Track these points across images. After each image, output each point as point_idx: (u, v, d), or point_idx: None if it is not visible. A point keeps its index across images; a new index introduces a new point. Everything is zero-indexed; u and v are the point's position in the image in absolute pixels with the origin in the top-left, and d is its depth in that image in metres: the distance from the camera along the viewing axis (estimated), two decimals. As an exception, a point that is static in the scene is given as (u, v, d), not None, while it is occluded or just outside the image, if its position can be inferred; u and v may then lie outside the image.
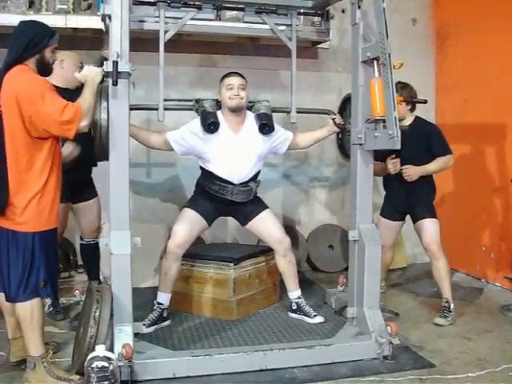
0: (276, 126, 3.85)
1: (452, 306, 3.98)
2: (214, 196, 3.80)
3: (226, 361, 3.16)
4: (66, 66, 3.69)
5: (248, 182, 3.81)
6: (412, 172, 4.00)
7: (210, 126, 3.64)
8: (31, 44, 2.81)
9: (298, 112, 4.10)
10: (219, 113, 3.75)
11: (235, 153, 3.71)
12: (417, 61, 5.52)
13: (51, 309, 4.01)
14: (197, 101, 3.86)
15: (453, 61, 5.57)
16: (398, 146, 3.08)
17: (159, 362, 3.09)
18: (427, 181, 4.15)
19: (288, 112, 4.11)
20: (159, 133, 3.83)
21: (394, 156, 4.01)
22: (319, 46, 5.15)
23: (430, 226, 4.07)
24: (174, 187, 5.27)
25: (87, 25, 4.41)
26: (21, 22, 2.91)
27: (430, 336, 3.73)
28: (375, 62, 3.29)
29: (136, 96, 4.55)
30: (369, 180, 3.58)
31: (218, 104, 3.81)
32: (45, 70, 2.91)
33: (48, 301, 3.94)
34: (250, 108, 3.87)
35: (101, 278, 4.38)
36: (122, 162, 3.09)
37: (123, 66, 2.97)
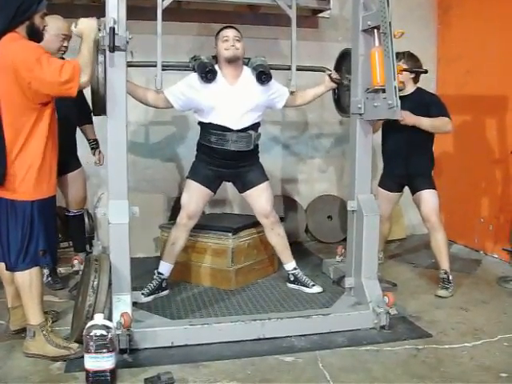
0: (273, 80, 3.79)
1: (451, 276, 3.99)
2: (214, 153, 3.75)
3: (224, 330, 3.18)
4: (47, 37, 3.29)
5: (247, 129, 3.74)
6: (406, 116, 3.83)
7: (208, 73, 3.60)
8: (19, 11, 2.75)
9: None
10: (216, 66, 3.70)
11: (232, 101, 3.66)
12: (418, 31, 5.46)
13: (49, 278, 4.03)
14: (192, 57, 3.80)
15: (455, 31, 5.51)
16: (398, 116, 3.07)
17: (157, 331, 3.11)
18: (426, 151, 4.13)
19: (285, 69, 4.06)
20: (157, 90, 3.71)
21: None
22: (319, 15, 5.09)
23: (428, 197, 4.07)
24: (172, 157, 5.27)
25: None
26: None
27: (427, 306, 3.76)
28: (376, 30, 3.25)
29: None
30: (368, 150, 3.56)
31: (215, 59, 3.76)
32: (36, 36, 2.85)
33: (46, 271, 3.95)
34: (246, 64, 3.81)
35: (87, 248, 4.39)
36: (120, 133, 3.07)
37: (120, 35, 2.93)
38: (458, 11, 5.44)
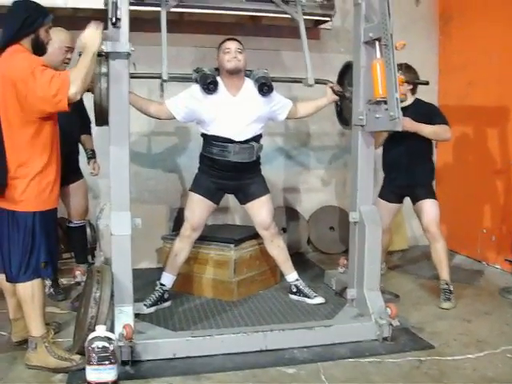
0: (275, 92, 3.82)
1: (451, 287, 3.99)
2: (216, 165, 3.76)
3: (226, 341, 3.17)
4: (50, 51, 3.32)
5: (249, 140, 3.75)
6: (405, 122, 3.80)
7: (210, 84, 3.61)
8: (25, 24, 2.77)
9: (294, 82, 4.06)
10: (218, 78, 3.72)
11: (234, 112, 3.68)
12: (420, 42, 5.49)
13: (51, 290, 4.03)
14: (196, 69, 3.81)
15: (456, 42, 5.53)
16: (400, 128, 3.07)
17: (160, 343, 3.10)
18: (426, 161, 4.15)
19: (288, 81, 4.11)
20: (159, 102, 3.80)
21: None
22: (321, 26, 5.12)
23: (429, 207, 4.07)
24: (175, 167, 5.27)
25: (87, 4, 4.36)
26: (14, 2, 2.86)
27: (429, 318, 3.75)
28: (377, 42, 3.26)
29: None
30: (370, 161, 3.57)
31: (217, 71, 3.77)
32: (40, 49, 2.87)
33: (48, 282, 3.96)
34: (248, 75, 3.82)
35: (89, 259, 4.39)
36: (123, 145, 3.08)
37: (122, 46, 2.94)
38: (459, 22, 5.46)
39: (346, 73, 3.91)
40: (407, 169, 4.09)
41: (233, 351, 3.15)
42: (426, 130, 3.94)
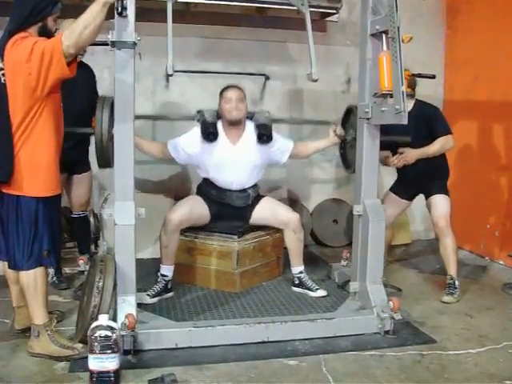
0: (276, 135, 3.94)
1: (457, 282, 3.98)
2: (214, 201, 3.94)
3: (228, 332, 3.18)
4: None
5: (246, 189, 3.95)
6: (409, 157, 3.97)
7: (210, 135, 3.77)
8: (33, 12, 2.76)
9: (298, 123, 4.10)
10: (219, 123, 3.84)
11: (233, 163, 3.82)
12: (426, 35, 5.46)
13: (54, 278, 4.04)
14: (198, 111, 3.96)
15: (463, 36, 5.50)
16: (405, 121, 3.05)
17: (162, 333, 3.11)
18: (440, 161, 4.12)
19: (289, 122, 4.31)
20: (160, 142, 3.97)
21: (401, 151, 3.99)
22: (328, 18, 5.10)
23: (440, 201, 4.07)
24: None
25: (94, -7, 4.35)
26: None
27: (431, 312, 3.75)
28: (384, 35, 3.24)
29: (142, 66, 4.54)
30: (375, 155, 3.56)
31: (219, 114, 3.89)
32: (47, 37, 2.85)
33: (51, 270, 3.97)
34: (251, 117, 3.93)
35: (93, 249, 4.40)
36: (127, 134, 3.08)
37: (128, 36, 2.94)
38: (466, 16, 5.43)
39: (348, 116, 3.93)
40: (420, 169, 4.06)
41: (235, 342, 3.16)
42: (430, 151, 3.98)
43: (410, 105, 4.04)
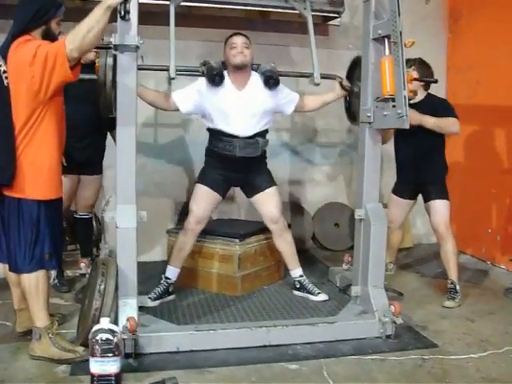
0: (282, 85, 3.82)
1: (458, 287, 3.98)
2: (222, 158, 3.77)
3: (230, 336, 3.18)
4: None
5: (254, 136, 3.76)
6: (411, 115, 3.87)
7: (216, 76, 3.63)
8: (37, 15, 2.77)
9: (302, 76, 4.04)
10: (225, 72, 3.72)
11: (240, 107, 3.69)
12: (429, 40, 5.45)
13: (56, 281, 4.04)
14: (203, 63, 3.79)
15: (465, 41, 5.51)
16: (407, 126, 3.06)
17: (163, 336, 3.11)
18: (438, 158, 4.12)
19: (294, 76, 4.14)
20: (164, 92, 3.84)
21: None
22: (330, 22, 5.10)
23: (440, 206, 4.06)
24: (181, 161, 5.26)
25: (96, -4, 4.36)
26: None
27: (433, 316, 3.74)
28: (386, 39, 3.25)
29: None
30: (377, 159, 3.56)
31: (224, 65, 3.76)
32: (50, 41, 2.84)
33: (53, 273, 3.97)
34: (256, 69, 3.83)
35: (94, 252, 4.41)
36: (129, 137, 3.08)
37: (131, 39, 2.94)
38: (468, 21, 5.44)
39: (354, 68, 3.88)
40: (418, 165, 4.08)
41: (236, 346, 3.15)
42: (430, 121, 3.92)
43: (421, 96, 4.06)
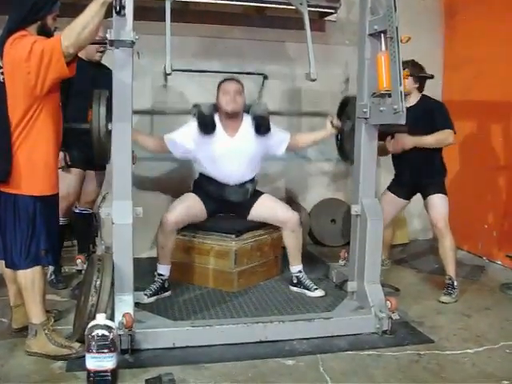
0: (274, 127, 3.92)
1: (456, 282, 3.98)
2: (212, 197, 3.91)
3: (226, 332, 3.18)
4: None
5: (245, 183, 3.91)
6: (406, 140, 3.95)
7: (207, 127, 3.76)
8: (33, 11, 2.76)
9: (293, 115, 4.11)
10: (216, 116, 3.83)
11: (230, 156, 3.80)
12: (425, 35, 5.44)
13: (53, 277, 4.03)
14: (195, 105, 3.93)
15: (461, 36, 5.50)
16: (403, 121, 3.05)
17: (159, 332, 3.11)
18: (435, 158, 4.12)
19: (284, 115, 4.47)
20: (158, 137, 3.95)
21: (391, 137, 4.00)
22: (326, 18, 5.10)
23: (438, 202, 4.06)
24: (177, 158, 5.25)
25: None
26: None
27: (429, 312, 3.75)
28: (382, 35, 3.24)
29: (140, 65, 4.53)
30: (373, 155, 3.55)
31: (216, 108, 3.86)
32: (46, 36, 2.83)
33: (50, 268, 3.97)
34: (247, 110, 3.92)
35: (90, 248, 4.41)
36: (125, 133, 3.07)
37: (127, 35, 2.93)
38: (464, 16, 5.43)
39: (344, 107, 3.94)
40: (417, 166, 4.08)
41: (232, 342, 3.16)
42: (426, 141, 3.96)
43: (415, 98, 4.06)
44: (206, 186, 3.93)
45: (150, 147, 3.89)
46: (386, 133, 3.88)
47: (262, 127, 3.83)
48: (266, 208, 3.98)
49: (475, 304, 3.92)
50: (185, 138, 3.82)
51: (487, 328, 3.50)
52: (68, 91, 3.66)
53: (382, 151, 4.06)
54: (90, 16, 2.64)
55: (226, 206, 3.96)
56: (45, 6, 2.80)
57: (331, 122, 3.93)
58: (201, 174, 4.01)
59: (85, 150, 3.58)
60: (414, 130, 3.87)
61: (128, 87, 3.03)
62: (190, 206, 3.85)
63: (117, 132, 3.07)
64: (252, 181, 3.99)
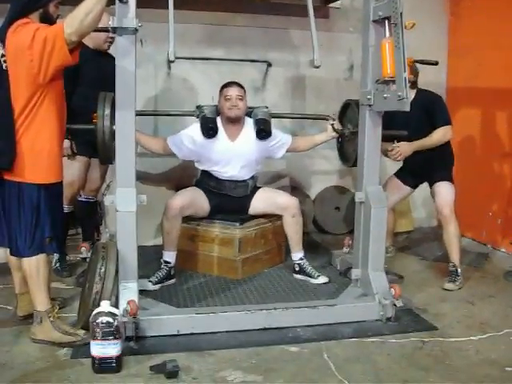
0: (275, 131, 4.00)
1: (459, 270, 3.98)
2: (213, 192, 3.97)
3: (230, 319, 3.19)
4: (92, 34, 3.26)
5: (245, 179, 4.00)
6: (403, 150, 3.93)
7: (209, 130, 3.81)
8: None
9: (295, 118, 4.12)
10: (218, 119, 3.88)
11: (231, 159, 3.89)
12: (429, 22, 5.41)
13: (57, 264, 4.04)
14: (198, 107, 3.99)
15: (466, 23, 5.46)
16: (408, 108, 3.04)
17: (164, 319, 3.12)
18: (445, 152, 4.10)
19: (285, 117, 4.50)
20: (160, 138, 4.03)
21: (397, 145, 3.96)
22: (330, 5, 5.07)
23: (444, 189, 4.05)
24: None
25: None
26: None
27: (433, 299, 3.75)
28: (386, 21, 3.22)
29: (144, 53, 4.53)
30: (377, 141, 3.54)
31: (219, 111, 3.92)
32: (48, 24, 2.81)
33: (55, 256, 3.98)
34: (249, 113, 3.96)
35: (95, 236, 4.42)
36: (129, 122, 3.06)
37: (129, 22, 2.92)
38: (469, 3, 5.39)
39: (345, 110, 3.94)
40: (427, 157, 4.03)
41: (236, 329, 3.17)
42: (427, 143, 3.95)
43: (411, 94, 4.02)
44: (207, 182, 3.99)
45: (153, 148, 3.97)
46: (386, 139, 3.84)
47: (262, 132, 3.90)
48: (266, 198, 4.04)
49: (479, 291, 3.92)
50: (187, 140, 3.87)
51: (491, 315, 3.50)
52: (75, 80, 3.67)
53: (384, 153, 4.05)
54: (92, 3, 2.62)
55: (228, 201, 4.00)
56: None
57: (332, 126, 3.96)
58: (202, 171, 4.07)
59: (90, 137, 3.58)
60: (412, 125, 3.87)
61: (131, 75, 3.01)
62: (194, 196, 3.91)
63: (120, 120, 3.06)
64: (252, 177, 4.07)
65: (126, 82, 3.01)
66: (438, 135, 3.94)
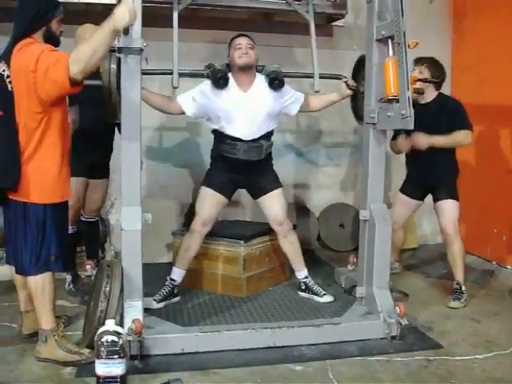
0: (287, 86, 3.81)
1: (464, 288, 3.97)
2: (226, 161, 3.76)
3: (235, 337, 3.18)
4: None
5: (258, 139, 3.75)
6: (421, 140, 3.89)
7: (220, 79, 3.63)
8: (37, 17, 2.78)
9: (307, 77, 4.05)
10: (229, 74, 3.72)
11: (244, 110, 3.67)
12: (432, 39, 5.43)
13: (71, 286, 4.05)
14: (207, 65, 3.82)
15: (469, 40, 5.49)
16: (411, 127, 3.05)
17: (168, 338, 3.12)
18: (449, 159, 4.09)
19: (301, 77, 4.17)
20: (169, 96, 3.84)
21: (405, 135, 3.96)
22: (334, 23, 5.11)
23: (448, 207, 4.04)
24: (186, 163, 5.28)
25: (99, -1, 4.39)
26: None
27: (438, 317, 3.74)
28: (390, 40, 3.25)
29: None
30: (381, 160, 3.56)
31: (228, 68, 3.76)
32: (52, 41, 2.86)
33: (68, 277, 3.99)
34: (260, 70, 3.82)
35: (100, 254, 4.42)
36: (134, 140, 3.09)
37: (135, 42, 2.95)
38: (472, 20, 5.42)
39: (360, 67, 3.87)
40: (429, 165, 4.04)
41: (241, 347, 3.16)
42: (441, 141, 3.90)
43: (431, 96, 4.04)
44: (220, 147, 3.77)
45: (163, 107, 3.77)
46: (398, 130, 3.83)
47: (275, 81, 3.70)
48: (272, 204, 3.88)
49: (484, 309, 3.91)
50: (198, 94, 3.71)
51: (496, 333, 3.48)
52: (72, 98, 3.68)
53: (397, 148, 4.05)
54: (99, 43, 2.63)
55: (243, 178, 3.83)
56: (48, 11, 2.82)
57: (346, 83, 3.86)
58: (214, 135, 3.85)
59: (89, 157, 3.59)
60: (431, 126, 3.86)
61: (137, 94, 3.04)
62: (212, 206, 3.79)
63: (126, 138, 3.08)
64: (266, 138, 3.82)
65: (132, 103, 3.03)
66: (461, 136, 3.92)
